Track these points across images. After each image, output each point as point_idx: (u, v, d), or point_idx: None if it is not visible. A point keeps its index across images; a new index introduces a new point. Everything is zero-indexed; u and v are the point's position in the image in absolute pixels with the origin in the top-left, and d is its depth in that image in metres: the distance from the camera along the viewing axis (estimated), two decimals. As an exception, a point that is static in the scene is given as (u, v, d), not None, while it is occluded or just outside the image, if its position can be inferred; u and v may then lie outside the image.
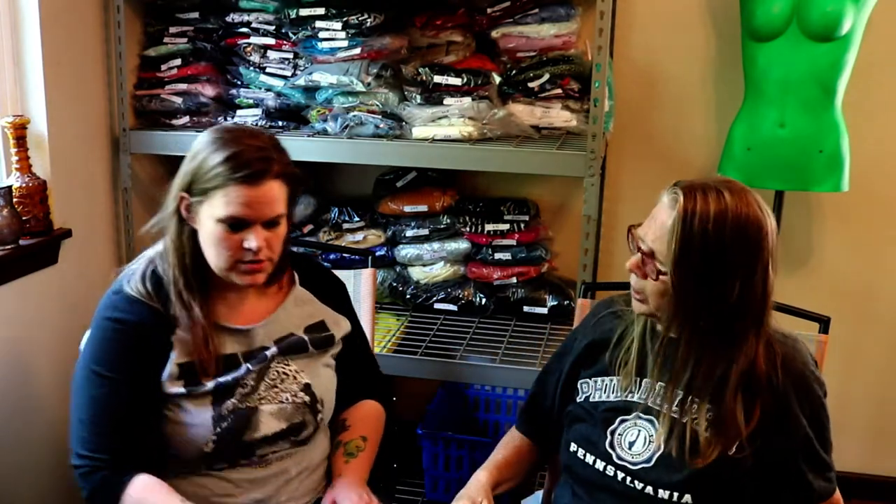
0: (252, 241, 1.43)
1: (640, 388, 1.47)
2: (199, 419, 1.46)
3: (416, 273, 2.59)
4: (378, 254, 2.53)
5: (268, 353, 1.54)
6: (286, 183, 1.46)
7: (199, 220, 1.45)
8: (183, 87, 2.46)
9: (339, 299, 1.71)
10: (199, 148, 1.45)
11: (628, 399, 1.47)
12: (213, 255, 1.45)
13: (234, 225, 1.42)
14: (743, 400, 1.36)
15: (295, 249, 1.72)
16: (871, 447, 2.79)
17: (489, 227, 2.52)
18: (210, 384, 1.47)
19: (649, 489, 1.39)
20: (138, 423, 1.46)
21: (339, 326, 1.66)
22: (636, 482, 1.41)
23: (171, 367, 1.46)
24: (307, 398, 1.55)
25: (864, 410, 2.76)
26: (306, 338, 1.59)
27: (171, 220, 1.49)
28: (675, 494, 1.38)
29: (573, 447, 1.51)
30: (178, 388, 1.46)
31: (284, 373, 1.55)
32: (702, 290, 1.33)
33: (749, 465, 1.37)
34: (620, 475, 1.43)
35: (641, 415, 1.45)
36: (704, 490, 1.37)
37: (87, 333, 1.53)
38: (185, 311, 1.47)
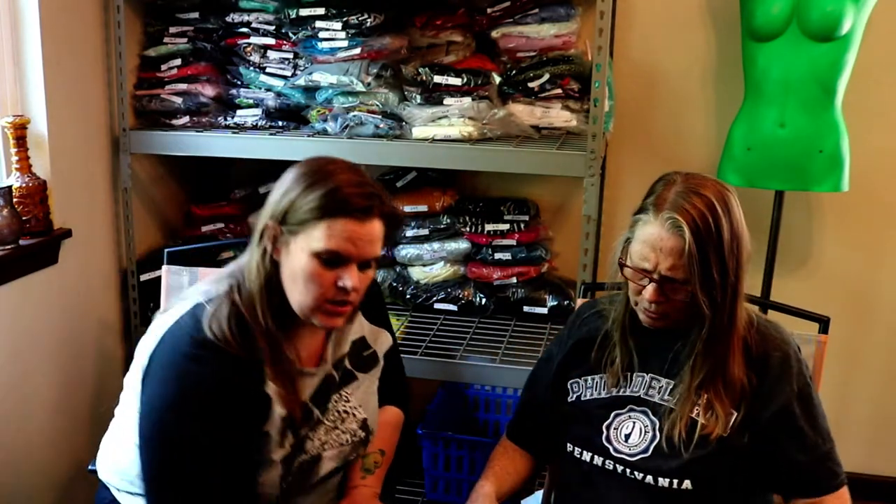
0: (348, 279, 1.32)
1: (630, 382, 1.50)
2: (269, 480, 1.38)
3: (416, 273, 2.59)
4: (378, 254, 2.53)
5: (330, 390, 1.47)
6: (386, 224, 1.37)
7: (287, 252, 1.34)
8: (183, 87, 2.46)
9: (377, 307, 1.64)
10: (294, 178, 1.35)
11: (620, 394, 1.50)
12: (300, 291, 1.33)
13: (332, 261, 1.32)
14: (732, 380, 1.41)
15: None
16: (871, 447, 2.78)
17: (489, 227, 2.52)
18: (289, 446, 1.39)
19: (649, 478, 1.42)
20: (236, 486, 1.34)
21: (381, 342, 1.61)
22: (636, 473, 1.43)
23: (275, 423, 1.35)
24: (363, 434, 1.52)
25: (864, 410, 2.76)
26: (348, 366, 1.52)
27: (256, 253, 1.36)
28: (675, 482, 1.40)
29: (569, 447, 1.53)
30: (282, 453, 1.36)
31: (345, 411, 1.49)
32: (721, 284, 1.37)
33: (742, 446, 1.40)
34: (619, 468, 1.45)
35: (635, 407, 1.48)
36: (703, 475, 1.40)
37: (145, 365, 1.38)
38: (275, 355, 1.35)
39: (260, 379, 1.34)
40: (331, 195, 1.30)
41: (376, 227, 1.34)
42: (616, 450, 1.46)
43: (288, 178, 1.36)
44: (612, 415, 1.49)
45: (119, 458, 1.52)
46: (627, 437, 1.46)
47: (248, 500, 1.38)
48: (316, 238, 1.30)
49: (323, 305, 1.34)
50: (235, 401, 1.32)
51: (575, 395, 1.56)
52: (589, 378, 1.55)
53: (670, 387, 1.46)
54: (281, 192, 1.35)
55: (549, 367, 1.63)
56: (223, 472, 1.32)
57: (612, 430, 1.48)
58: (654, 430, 1.45)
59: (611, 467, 1.46)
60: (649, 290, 1.40)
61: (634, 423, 1.47)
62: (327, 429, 1.45)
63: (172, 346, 1.34)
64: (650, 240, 1.38)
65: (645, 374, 1.49)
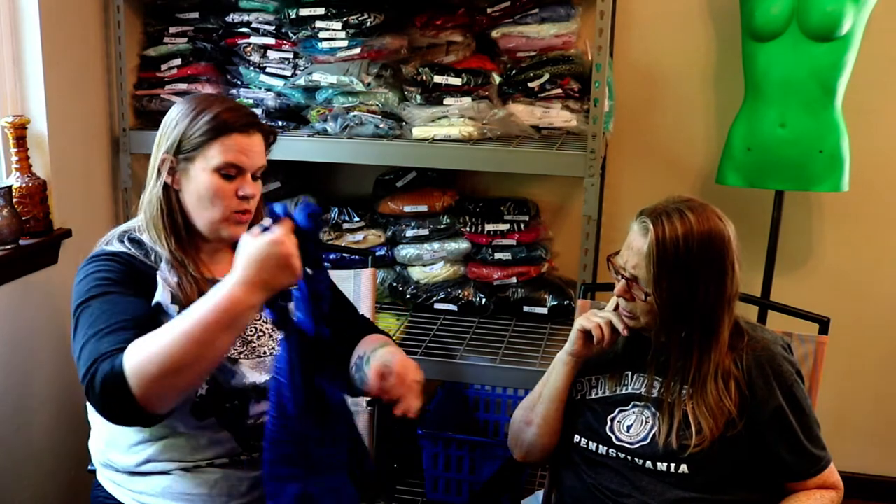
0: (247, 188, 1.53)
1: (632, 381, 1.63)
2: None
3: (416, 273, 2.59)
4: (378, 254, 2.53)
5: None
6: (265, 138, 1.58)
7: (188, 177, 1.52)
8: (183, 87, 2.46)
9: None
10: (180, 113, 1.53)
11: (622, 392, 1.63)
12: (207, 207, 1.52)
13: (230, 174, 1.51)
14: (723, 385, 1.52)
15: None
16: (871, 447, 2.79)
17: (489, 227, 2.52)
18: None
19: (649, 464, 1.54)
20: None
21: None
22: (636, 459, 1.55)
23: (163, 292, 1.49)
24: None
25: (864, 411, 2.76)
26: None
27: (156, 187, 1.53)
28: (672, 465, 1.52)
29: (577, 438, 1.65)
30: (174, 312, 1.47)
31: (261, 330, 1.60)
32: (680, 299, 1.50)
33: (737, 441, 1.51)
34: (622, 455, 1.57)
35: (637, 403, 1.60)
36: (699, 462, 1.51)
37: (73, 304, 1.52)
38: (179, 267, 1.52)
39: (152, 269, 1.51)
40: (218, 117, 1.50)
41: (259, 140, 1.56)
42: (618, 439, 1.58)
43: (172, 115, 1.55)
44: (617, 410, 1.61)
45: (94, 433, 1.61)
46: (629, 427, 1.58)
47: None
48: (213, 156, 1.50)
49: (230, 216, 1.54)
50: (132, 274, 1.50)
51: (580, 394, 1.68)
52: (593, 378, 1.67)
53: (669, 387, 1.57)
54: (170, 127, 1.53)
55: None
56: (132, 321, 1.41)
57: (615, 423, 1.60)
58: (653, 420, 1.56)
59: (613, 455, 1.58)
60: (619, 286, 1.56)
61: (636, 416, 1.59)
62: (244, 340, 1.57)
63: (82, 267, 1.54)
64: (628, 240, 1.56)
65: (644, 375, 1.61)
